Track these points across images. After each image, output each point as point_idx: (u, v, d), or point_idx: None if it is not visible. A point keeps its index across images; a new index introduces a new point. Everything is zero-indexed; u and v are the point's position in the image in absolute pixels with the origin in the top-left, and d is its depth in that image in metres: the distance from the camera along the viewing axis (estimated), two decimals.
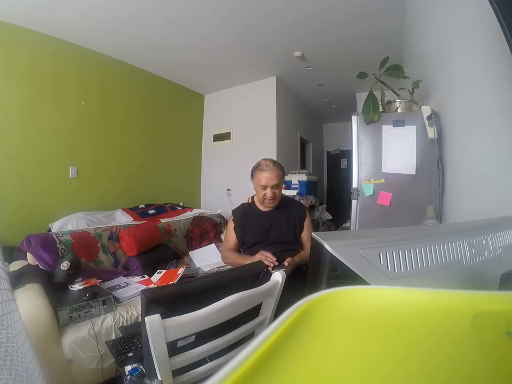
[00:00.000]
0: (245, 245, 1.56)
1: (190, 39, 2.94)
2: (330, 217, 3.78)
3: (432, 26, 1.63)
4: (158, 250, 2.24)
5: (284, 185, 1.60)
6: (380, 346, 0.17)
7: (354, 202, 1.61)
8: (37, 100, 2.66)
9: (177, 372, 0.73)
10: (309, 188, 3.74)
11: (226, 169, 4.26)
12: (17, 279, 1.50)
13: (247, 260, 1.39)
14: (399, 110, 1.61)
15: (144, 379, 0.84)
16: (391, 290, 0.23)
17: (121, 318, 1.47)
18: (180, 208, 3.33)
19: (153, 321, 0.64)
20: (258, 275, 0.94)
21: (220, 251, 2.23)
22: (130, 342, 1.03)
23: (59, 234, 1.93)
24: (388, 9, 2.46)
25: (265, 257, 1.33)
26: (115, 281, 1.84)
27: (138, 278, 1.92)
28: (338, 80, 4.04)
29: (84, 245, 1.97)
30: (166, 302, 0.72)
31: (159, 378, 0.68)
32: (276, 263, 1.30)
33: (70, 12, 2.40)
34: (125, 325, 1.45)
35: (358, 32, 2.83)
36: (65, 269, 1.56)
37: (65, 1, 2.27)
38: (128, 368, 0.91)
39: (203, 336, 0.75)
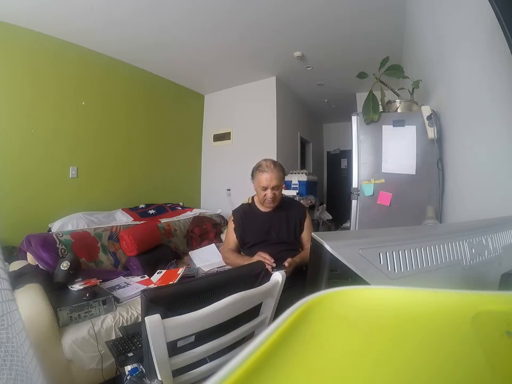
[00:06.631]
0: (245, 245, 1.56)
1: (190, 38, 2.95)
2: (330, 217, 3.78)
3: (432, 26, 1.63)
4: (158, 250, 2.24)
5: (283, 186, 1.60)
6: (380, 346, 0.17)
7: (354, 202, 1.61)
8: (37, 99, 2.66)
9: (177, 372, 0.73)
10: (309, 188, 3.74)
11: (226, 169, 4.26)
12: (17, 279, 1.50)
13: (247, 261, 1.38)
14: (399, 110, 1.61)
15: (144, 379, 0.84)
16: (391, 290, 0.23)
17: (121, 318, 1.47)
18: (180, 208, 3.33)
19: (153, 321, 0.64)
20: (258, 275, 0.94)
21: (220, 251, 2.23)
22: (130, 342, 1.03)
23: (59, 234, 1.93)
24: (388, 9, 2.46)
25: (263, 258, 1.32)
26: (115, 281, 1.83)
27: (138, 278, 1.92)
28: (338, 80, 4.04)
29: (84, 245, 1.97)
30: (166, 302, 0.72)
31: (159, 378, 0.68)
32: (274, 265, 1.30)
33: (70, 11, 2.40)
34: (125, 325, 1.45)
35: (358, 32, 2.84)
36: (65, 269, 1.56)
37: (65, 0, 2.27)
38: (128, 368, 0.91)
39: (203, 336, 0.75)
